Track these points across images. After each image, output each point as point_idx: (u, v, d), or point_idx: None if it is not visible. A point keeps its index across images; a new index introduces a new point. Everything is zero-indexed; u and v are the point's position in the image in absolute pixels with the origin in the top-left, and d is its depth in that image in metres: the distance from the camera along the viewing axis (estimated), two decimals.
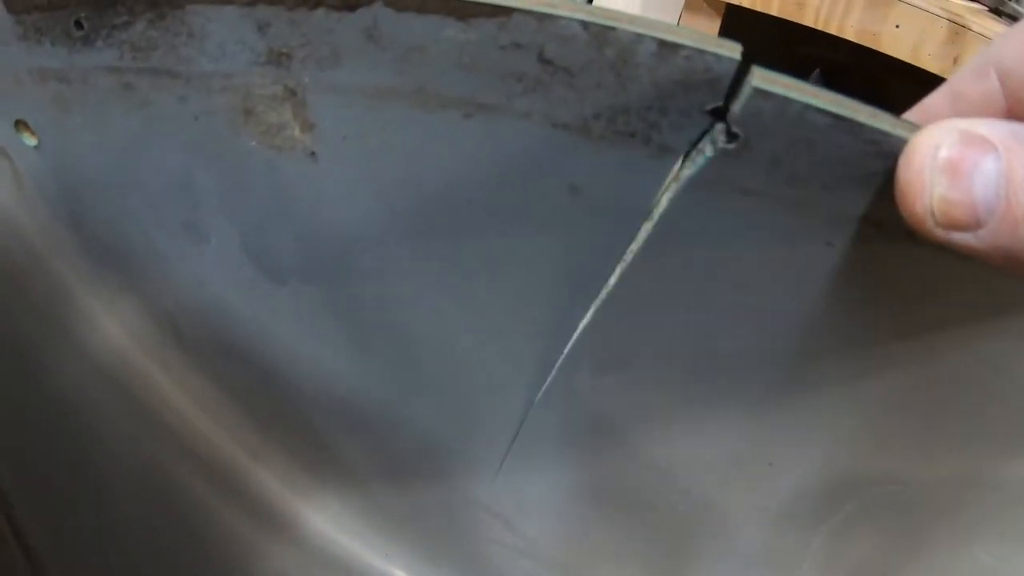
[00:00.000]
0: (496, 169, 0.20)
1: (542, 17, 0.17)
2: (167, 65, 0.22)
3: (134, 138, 0.24)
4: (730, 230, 0.19)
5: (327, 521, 0.36)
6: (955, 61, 0.65)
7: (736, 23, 0.78)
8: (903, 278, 0.19)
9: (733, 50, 0.16)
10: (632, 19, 0.17)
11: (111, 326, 0.32)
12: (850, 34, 0.69)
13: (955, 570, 0.28)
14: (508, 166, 0.20)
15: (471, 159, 0.20)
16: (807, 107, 0.16)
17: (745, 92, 0.16)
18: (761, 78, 0.16)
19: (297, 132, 0.22)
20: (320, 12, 0.19)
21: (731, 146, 0.17)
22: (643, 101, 0.18)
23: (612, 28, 0.17)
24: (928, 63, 0.66)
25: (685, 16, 0.81)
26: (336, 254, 0.25)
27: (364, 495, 0.35)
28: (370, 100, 0.20)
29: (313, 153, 0.22)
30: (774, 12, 0.72)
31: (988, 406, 0.22)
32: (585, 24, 0.17)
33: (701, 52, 0.16)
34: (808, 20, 0.70)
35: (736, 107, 0.17)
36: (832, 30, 0.70)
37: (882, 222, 0.18)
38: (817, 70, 0.85)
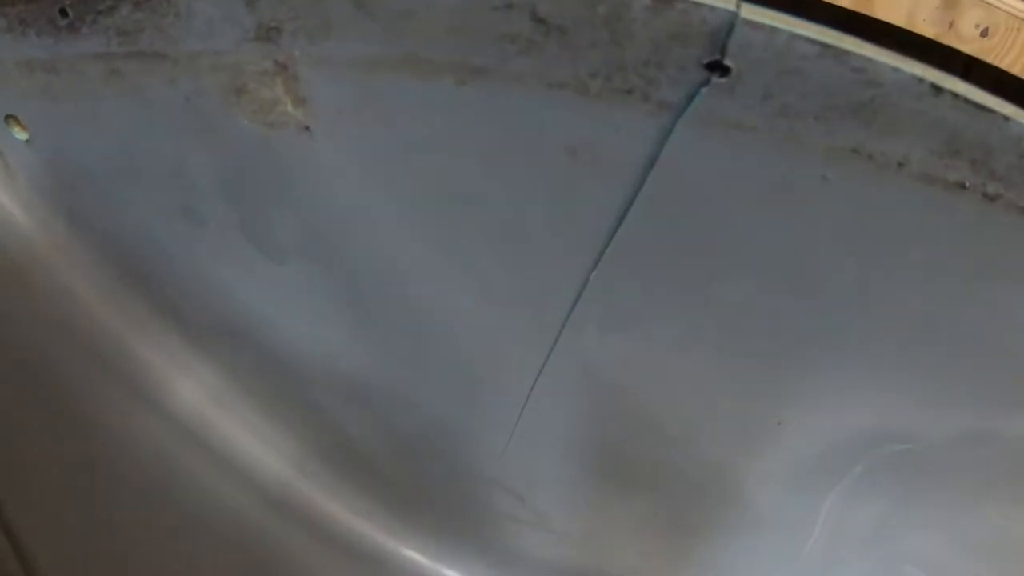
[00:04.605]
0: (492, 135, 0.20)
1: None
2: (155, 47, 0.22)
3: (126, 125, 0.24)
4: (727, 170, 0.19)
5: (337, 502, 0.36)
6: (950, 26, 0.64)
7: None
8: (898, 215, 0.19)
9: (728, 1, 0.16)
10: None
11: (112, 317, 0.32)
12: (845, 1, 0.68)
13: (969, 531, 0.28)
14: (504, 132, 0.20)
15: (466, 127, 0.20)
16: (794, 36, 0.16)
17: (735, 25, 0.17)
18: (749, 11, 0.16)
19: (290, 107, 0.21)
20: None
21: (723, 80, 0.17)
22: (639, 57, 0.18)
23: None
24: (923, 28, 0.65)
25: None
26: (335, 229, 0.24)
27: (372, 474, 0.35)
28: (362, 71, 0.20)
29: (307, 128, 0.22)
30: None
31: (996, 358, 0.22)
32: None
33: (696, 5, 0.17)
34: None
35: (728, 41, 0.17)
36: None
37: (873, 155, 0.18)
38: None
